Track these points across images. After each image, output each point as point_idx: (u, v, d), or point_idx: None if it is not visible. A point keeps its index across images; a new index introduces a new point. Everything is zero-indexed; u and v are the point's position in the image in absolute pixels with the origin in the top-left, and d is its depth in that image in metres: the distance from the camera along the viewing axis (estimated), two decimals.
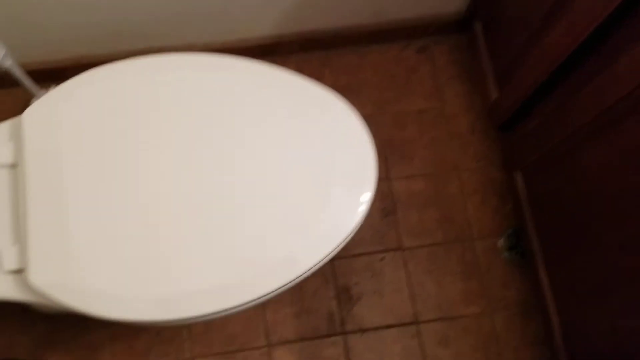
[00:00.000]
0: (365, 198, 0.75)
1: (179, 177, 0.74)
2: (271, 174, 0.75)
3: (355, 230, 0.75)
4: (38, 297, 0.72)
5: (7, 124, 0.78)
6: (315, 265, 0.74)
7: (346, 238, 0.75)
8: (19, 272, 0.72)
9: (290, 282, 0.73)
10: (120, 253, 0.71)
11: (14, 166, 0.75)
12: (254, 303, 0.74)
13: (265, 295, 0.73)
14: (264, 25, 1.11)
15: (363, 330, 1.10)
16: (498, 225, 1.15)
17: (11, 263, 0.71)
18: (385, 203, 1.16)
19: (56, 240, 0.70)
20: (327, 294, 1.11)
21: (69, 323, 1.08)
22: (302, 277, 0.74)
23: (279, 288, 0.72)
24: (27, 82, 0.96)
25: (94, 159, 0.74)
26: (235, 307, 0.72)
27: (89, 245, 0.71)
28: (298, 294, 1.11)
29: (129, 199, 0.73)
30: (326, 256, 0.74)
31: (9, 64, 0.88)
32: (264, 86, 0.78)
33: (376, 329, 1.10)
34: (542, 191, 0.98)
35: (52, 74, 1.10)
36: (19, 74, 0.92)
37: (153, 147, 0.75)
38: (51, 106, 0.75)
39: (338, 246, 0.74)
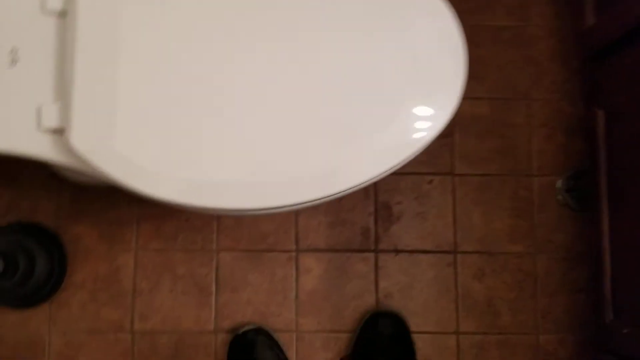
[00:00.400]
0: (440, 115, 0.65)
1: (242, 60, 0.66)
2: (338, 69, 0.65)
3: (419, 151, 0.67)
4: (75, 161, 0.66)
5: None
6: (363, 183, 0.66)
7: (408, 157, 0.66)
8: (58, 131, 0.66)
9: (328, 196, 0.66)
10: (166, 127, 0.65)
11: (63, 14, 0.67)
12: (286, 209, 0.68)
13: (297, 205, 0.66)
14: None
15: (397, 251, 1.05)
16: (560, 164, 1.07)
17: (51, 121, 0.65)
18: None
19: (103, 103, 0.63)
20: (366, 208, 1.06)
21: (97, 195, 1.04)
22: (346, 192, 0.67)
23: (313, 200, 0.66)
24: None
25: (154, 19, 0.65)
26: (264, 209, 0.66)
27: (136, 114, 0.64)
28: (335, 205, 1.05)
29: (185, 71, 0.65)
30: (378, 175, 0.66)
31: None
32: None
33: (411, 252, 1.05)
34: (625, 134, 0.88)
35: None
36: None
37: (217, 19, 0.66)
38: None
39: (396, 165, 0.66)
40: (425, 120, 0.64)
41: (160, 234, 1.04)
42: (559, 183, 1.06)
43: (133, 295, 1.02)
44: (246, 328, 0.99)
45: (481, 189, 1.06)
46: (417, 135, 0.64)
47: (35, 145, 0.66)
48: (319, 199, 0.67)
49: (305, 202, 0.67)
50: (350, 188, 0.65)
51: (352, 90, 0.65)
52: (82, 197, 1.04)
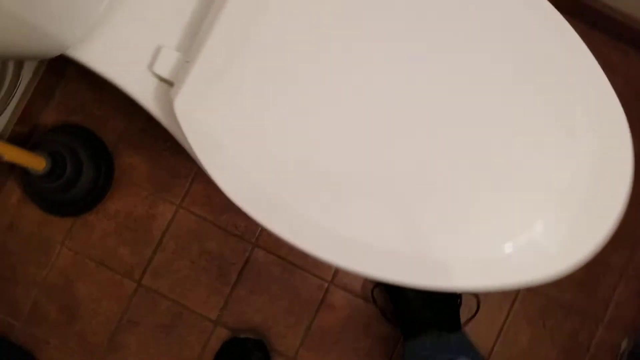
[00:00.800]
0: (573, 254, 0.56)
1: (375, 89, 0.58)
2: (481, 157, 0.57)
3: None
4: (166, 117, 0.61)
5: None
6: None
7: (525, 284, 0.57)
8: (166, 82, 0.60)
9: (415, 285, 0.58)
10: (272, 133, 0.58)
11: None
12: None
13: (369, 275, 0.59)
14: None
15: None
16: (635, 325, 0.96)
17: (164, 69, 0.58)
18: None
19: (224, 79, 0.56)
20: None
21: (165, 136, 0.96)
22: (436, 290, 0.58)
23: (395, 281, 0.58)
24: None
25: (305, 13, 0.58)
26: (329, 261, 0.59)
27: (250, 106, 0.58)
28: None
29: (320, 82, 0.58)
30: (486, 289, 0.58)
31: None
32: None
33: None
34: None
35: None
36: None
37: (376, 32, 0.59)
38: None
39: (508, 286, 0.57)
40: (549, 257, 0.55)
41: (208, 202, 0.98)
42: (624, 343, 0.96)
43: (156, 248, 0.97)
44: (248, 335, 0.92)
45: (542, 313, 0.96)
46: (546, 262, 0.56)
47: (137, 83, 0.60)
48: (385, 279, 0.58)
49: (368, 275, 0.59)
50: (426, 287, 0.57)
51: (484, 182, 0.56)
52: (150, 130, 0.99)
